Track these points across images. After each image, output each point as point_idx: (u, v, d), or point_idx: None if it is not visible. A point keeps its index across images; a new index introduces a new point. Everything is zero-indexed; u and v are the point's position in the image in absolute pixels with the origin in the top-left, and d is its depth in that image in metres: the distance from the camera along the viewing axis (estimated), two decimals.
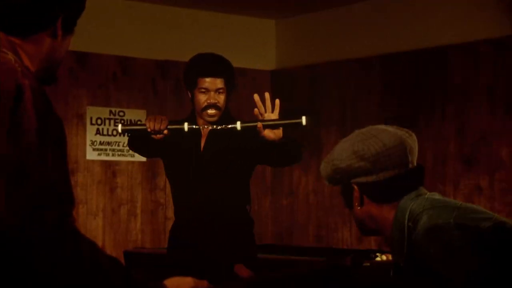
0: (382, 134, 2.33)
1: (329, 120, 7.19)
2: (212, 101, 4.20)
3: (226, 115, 4.26)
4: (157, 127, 4.06)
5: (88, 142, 6.84)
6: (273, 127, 3.99)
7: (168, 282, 2.06)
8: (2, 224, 1.78)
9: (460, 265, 2.13)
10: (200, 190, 4.21)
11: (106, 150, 6.93)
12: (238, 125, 4.04)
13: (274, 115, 4.03)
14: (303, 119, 3.98)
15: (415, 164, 2.36)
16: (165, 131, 4.08)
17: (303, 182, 7.39)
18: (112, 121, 6.96)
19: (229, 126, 4.08)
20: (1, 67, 1.88)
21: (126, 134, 4.27)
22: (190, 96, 4.31)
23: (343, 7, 7.13)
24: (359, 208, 2.37)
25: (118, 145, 6.97)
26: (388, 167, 2.30)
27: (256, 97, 4.06)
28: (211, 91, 4.21)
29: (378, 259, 5.38)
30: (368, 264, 5.03)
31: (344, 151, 2.33)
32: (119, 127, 4.20)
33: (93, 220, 6.78)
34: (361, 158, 2.30)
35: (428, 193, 2.34)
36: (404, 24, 6.77)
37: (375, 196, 2.33)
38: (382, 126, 2.39)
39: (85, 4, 2.07)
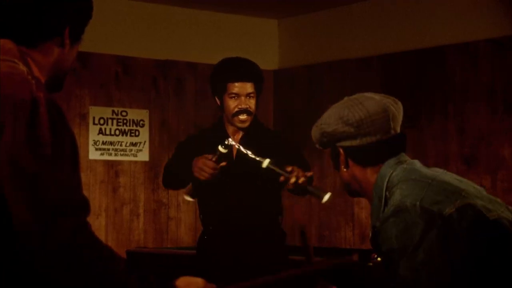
0: (368, 102, 2.49)
1: None
2: (244, 106, 4.10)
3: (255, 121, 4.19)
4: (215, 173, 4.00)
5: (90, 142, 6.85)
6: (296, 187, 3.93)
7: (179, 282, 2.10)
8: (25, 231, 1.81)
9: (411, 263, 2.28)
10: (231, 200, 4.12)
11: (108, 150, 6.94)
12: (266, 162, 3.91)
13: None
14: (326, 196, 3.91)
15: (398, 131, 2.50)
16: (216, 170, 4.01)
17: None
18: (114, 121, 6.97)
19: (258, 158, 3.93)
20: (15, 78, 1.89)
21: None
22: (218, 102, 4.19)
23: (345, 6, 7.13)
24: (344, 170, 2.53)
25: (121, 145, 6.98)
26: (371, 133, 2.46)
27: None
28: (241, 96, 4.11)
29: (379, 259, 5.38)
30: (371, 264, 5.03)
31: (331, 116, 2.51)
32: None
33: (96, 219, 6.79)
34: (346, 123, 2.46)
35: (408, 161, 2.48)
36: (405, 24, 6.77)
37: (358, 159, 2.49)
38: (370, 94, 2.55)
39: (92, 13, 2.09)
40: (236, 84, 4.12)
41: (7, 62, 1.92)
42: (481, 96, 6.24)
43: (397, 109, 2.52)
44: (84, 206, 1.90)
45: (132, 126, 7.03)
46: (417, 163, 2.48)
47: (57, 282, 1.85)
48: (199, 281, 2.14)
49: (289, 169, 3.91)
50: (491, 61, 6.19)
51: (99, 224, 6.82)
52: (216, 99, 4.22)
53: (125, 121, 7.00)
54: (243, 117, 4.13)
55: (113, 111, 6.96)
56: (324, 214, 7.27)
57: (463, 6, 6.39)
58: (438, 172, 2.45)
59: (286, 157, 4.15)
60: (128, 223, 6.97)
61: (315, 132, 2.55)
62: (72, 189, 1.88)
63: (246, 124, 4.14)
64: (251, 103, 4.14)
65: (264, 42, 7.66)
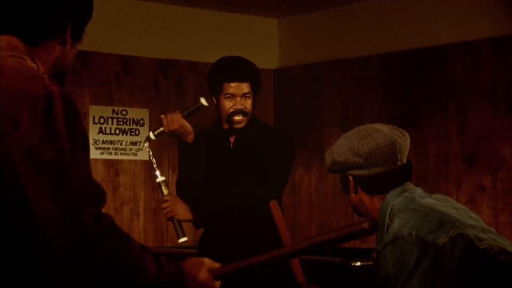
0: (377, 134, 2.67)
1: (331, 119, 7.19)
2: (239, 106, 4.08)
3: (253, 120, 4.18)
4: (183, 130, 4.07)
5: (90, 141, 6.84)
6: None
7: (186, 262, 2.15)
8: (50, 222, 1.83)
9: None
10: (231, 199, 4.10)
11: (108, 149, 6.94)
12: (159, 179, 4.11)
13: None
14: (181, 239, 4.20)
15: (404, 161, 2.70)
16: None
17: (305, 181, 7.39)
18: (114, 120, 6.97)
19: (157, 170, 4.09)
20: (26, 74, 1.91)
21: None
22: (215, 101, 4.17)
23: (345, 5, 7.13)
24: (353, 195, 2.73)
25: (121, 144, 6.98)
26: (379, 164, 2.65)
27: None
28: (237, 97, 4.08)
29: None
30: (372, 263, 5.03)
31: (342, 146, 2.70)
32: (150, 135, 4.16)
33: None
34: (356, 155, 2.66)
35: (411, 189, 2.68)
36: (405, 23, 6.76)
37: (366, 188, 2.70)
38: (379, 126, 2.73)
39: (93, 12, 2.12)
40: (232, 84, 4.10)
41: (16, 58, 1.95)
42: (482, 95, 6.23)
43: (404, 141, 2.69)
44: (101, 195, 1.93)
45: (132, 125, 7.03)
46: (418, 192, 2.67)
47: (79, 267, 1.87)
48: (205, 261, 2.21)
49: (163, 202, 4.12)
50: (492, 60, 6.19)
51: None
52: (213, 98, 4.21)
53: (125, 120, 7.00)
54: (238, 117, 4.10)
55: (113, 110, 6.96)
56: (324, 214, 7.26)
57: (464, 5, 6.39)
58: (438, 201, 2.64)
59: (274, 163, 4.10)
60: (128, 222, 6.97)
61: (327, 160, 2.75)
62: (90, 178, 1.90)
63: (242, 125, 4.13)
64: (247, 104, 4.12)
65: (264, 41, 7.66)
